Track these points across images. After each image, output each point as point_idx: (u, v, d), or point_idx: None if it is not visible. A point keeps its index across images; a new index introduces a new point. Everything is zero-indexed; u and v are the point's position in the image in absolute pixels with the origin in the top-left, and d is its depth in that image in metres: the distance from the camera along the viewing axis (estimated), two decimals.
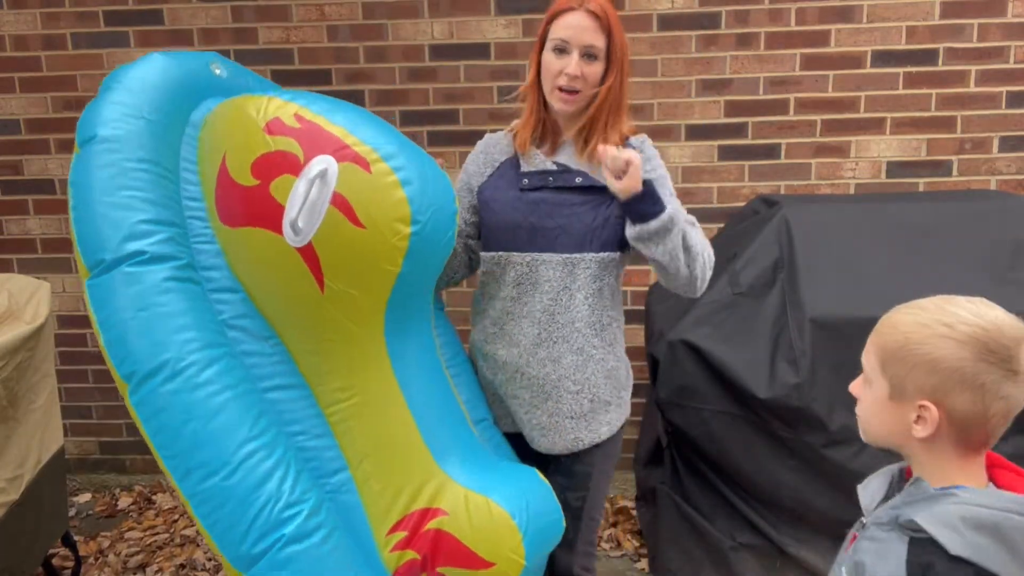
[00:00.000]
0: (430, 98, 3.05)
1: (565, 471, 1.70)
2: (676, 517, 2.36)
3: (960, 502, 0.96)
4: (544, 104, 1.62)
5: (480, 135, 1.82)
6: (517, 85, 1.74)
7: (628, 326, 3.18)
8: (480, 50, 2.98)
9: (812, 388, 2.20)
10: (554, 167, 1.62)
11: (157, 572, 2.71)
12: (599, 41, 1.53)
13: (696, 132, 3.04)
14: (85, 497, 3.38)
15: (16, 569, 2.20)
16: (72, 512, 3.19)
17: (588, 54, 1.53)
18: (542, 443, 1.68)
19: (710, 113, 3.02)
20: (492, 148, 1.73)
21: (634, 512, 3.12)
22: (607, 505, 3.23)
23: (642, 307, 3.07)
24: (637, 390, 3.22)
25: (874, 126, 3.00)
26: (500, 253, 1.65)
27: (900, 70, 2.96)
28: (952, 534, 0.94)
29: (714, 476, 2.38)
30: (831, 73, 2.98)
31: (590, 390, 1.66)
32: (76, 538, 2.74)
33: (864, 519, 1.13)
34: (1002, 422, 0.99)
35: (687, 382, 2.31)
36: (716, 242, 2.80)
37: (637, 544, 2.93)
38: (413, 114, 3.07)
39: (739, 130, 3.03)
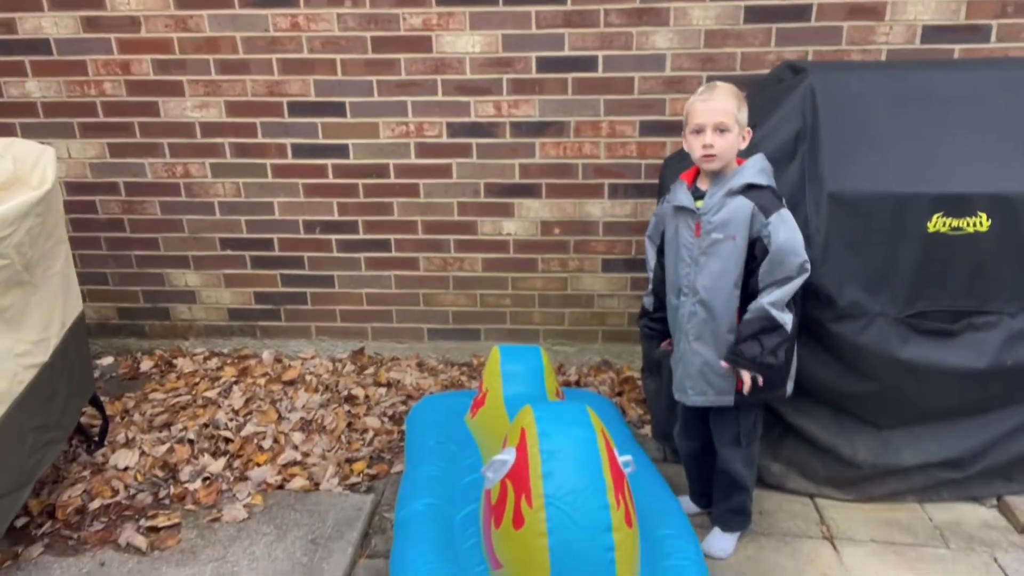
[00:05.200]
0: None
1: None
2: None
3: (748, 165, 2.01)
4: None
5: None
6: None
7: (639, 200, 3.15)
8: None
9: (824, 264, 2.18)
10: None
11: (181, 431, 2.85)
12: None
13: None
14: (108, 360, 3.50)
15: (55, 425, 2.31)
16: (96, 374, 3.32)
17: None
18: None
19: None
20: None
21: (639, 382, 3.21)
22: (612, 375, 3.32)
23: (655, 181, 3.01)
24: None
25: None
26: None
27: None
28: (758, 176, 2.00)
29: None
30: None
31: None
32: (102, 399, 2.86)
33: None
34: None
35: None
36: None
37: (641, 412, 3.03)
38: None
39: None
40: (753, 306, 1.99)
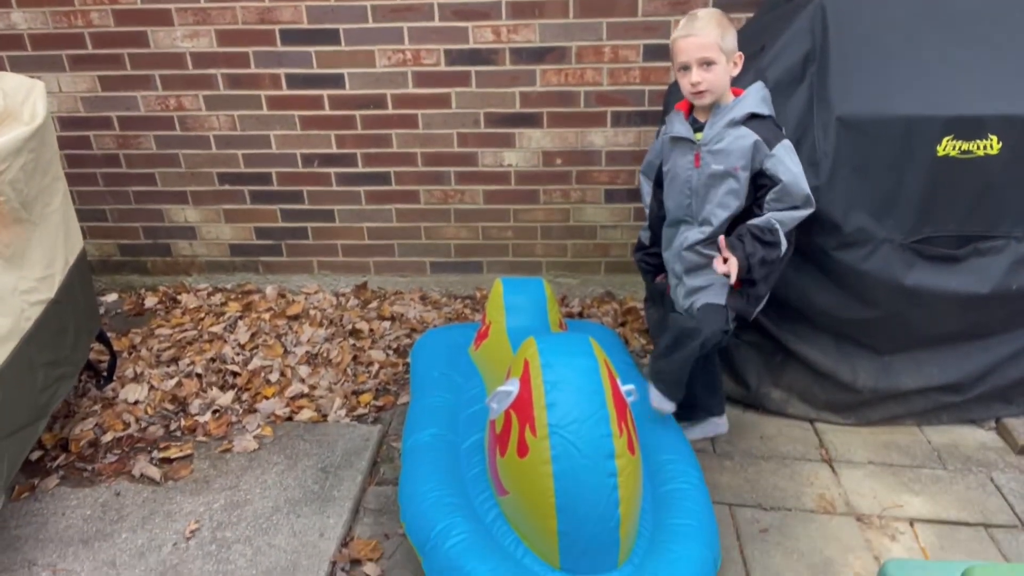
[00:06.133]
0: None
1: None
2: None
3: (750, 93, 1.98)
4: None
5: None
6: None
7: (643, 128, 3.09)
8: None
9: (831, 191, 2.15)
10: None
11: (189, 365, 2.88)
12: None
13: None
14: (112, 297, 3.51)
15: (66, 361, 2.34)
16: (101, 311, 3.33)
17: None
18: None
19: None
20: None
21: (642, 312, 3.23)
22: (616, 306, 3.33)
23: (659, 108, 2.95)
24: None
25: None
26: None
27: None
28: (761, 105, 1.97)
29: None
30: None
31: None
32: (108, 335, 2.88)
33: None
34: None
35: None
36: (743, 34, 2.61)
37: (644, 342, 3.06)
38: None
39: None
40: (761, 217, 1.95)
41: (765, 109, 1.95)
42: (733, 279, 1.94)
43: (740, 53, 1.95)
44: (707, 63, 1.89)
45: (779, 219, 1.94)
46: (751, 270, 1.93)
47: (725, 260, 1.92)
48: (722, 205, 1.99)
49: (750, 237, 1.94)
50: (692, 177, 2.03)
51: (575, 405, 1.66)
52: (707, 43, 1.88)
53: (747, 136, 1.92)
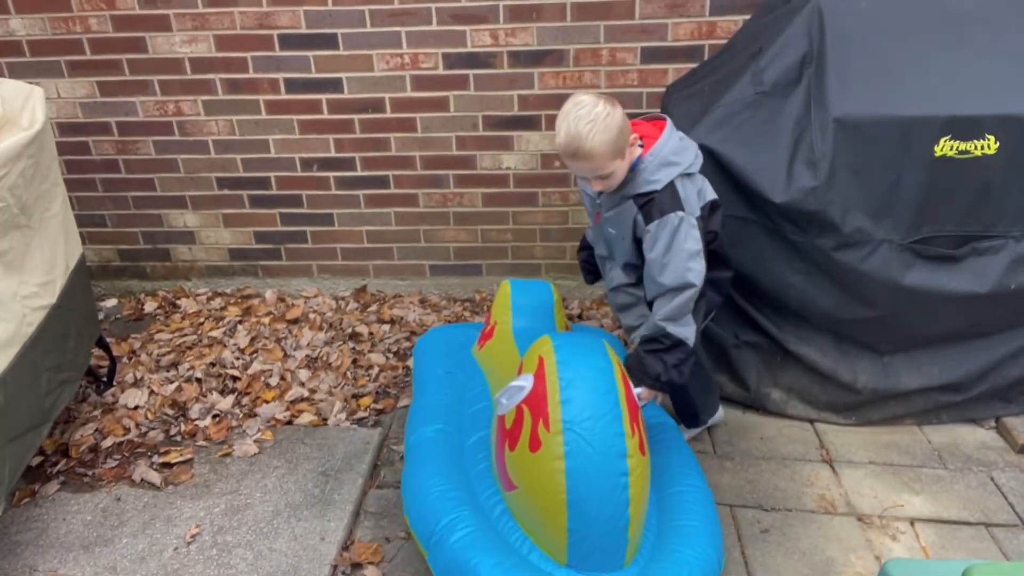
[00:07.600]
0: None
1: None
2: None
3: (644, 165, 1.88)
4: None
5: None
6: None
7: None
8: None
9: (829, 191, 2.16)
10: None
11: (189, 370, 2.88)
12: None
13: None
14: (111, 302, 3.51)
15: (69, 365, 2.34)
16: (100, 316, 3.33)
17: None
18: None
19: None
20: None
21: None
22: None
23: (657, 110, 2.96)
24: None
25: None
26: None
27: None
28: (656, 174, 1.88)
29: None
30: None
31: None
32: (108, 340, 2.88)
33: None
34: None
35: None
36: (741, 36, 2.62)
37: None
38: None
39: None
40: (649, 323, 1.94)
41: (659, 181, 1.86)
42: (647, 399, 1.96)
43: (634, 136, 1.86)
44: (603, 177, 1.86)
45: (665, 315, 1.89)
46: (672, 382, 1.92)
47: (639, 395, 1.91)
48: (629, 256, 2.02)
49: (649, 358, 1.92)
50: (600, 229, 2.08)
51: (590, 403, 1.67)
52: (598, 165, 1.81)
53: (630, 209, 1.91)
